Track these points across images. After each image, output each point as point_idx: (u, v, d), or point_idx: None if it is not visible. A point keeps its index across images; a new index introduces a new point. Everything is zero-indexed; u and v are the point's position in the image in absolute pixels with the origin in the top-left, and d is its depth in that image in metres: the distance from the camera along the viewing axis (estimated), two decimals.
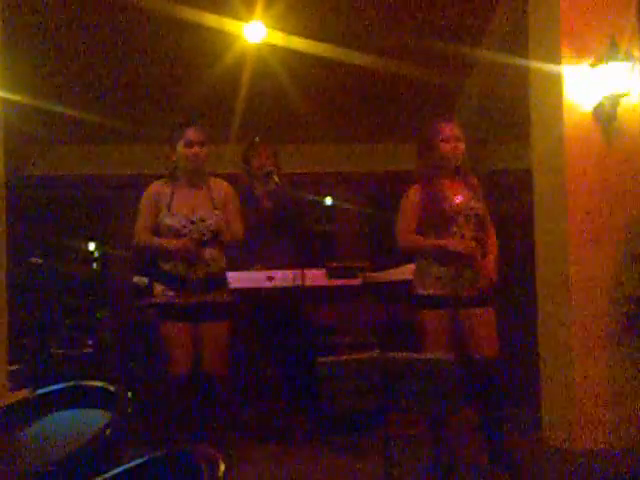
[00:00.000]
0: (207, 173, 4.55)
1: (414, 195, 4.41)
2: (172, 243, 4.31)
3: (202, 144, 4.41)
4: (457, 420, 4.61)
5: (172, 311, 4.36)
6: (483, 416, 4.41)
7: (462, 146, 4.36)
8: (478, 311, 4.28)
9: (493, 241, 4.44)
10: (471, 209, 4.32)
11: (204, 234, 4.33)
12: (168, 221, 4.35)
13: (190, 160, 4.40)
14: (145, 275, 5.23)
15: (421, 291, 4.33)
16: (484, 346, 4.25)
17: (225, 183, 4.61)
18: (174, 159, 4.46)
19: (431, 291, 4.29)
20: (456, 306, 4.27)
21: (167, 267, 4.39)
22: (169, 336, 4.36)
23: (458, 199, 4.33)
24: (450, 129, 4.37)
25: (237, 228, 4.53)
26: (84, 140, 8.43)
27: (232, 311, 4.50)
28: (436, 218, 4.31)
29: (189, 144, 4.39)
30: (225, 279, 4.53)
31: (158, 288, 4.43)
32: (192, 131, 4.41)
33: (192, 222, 4.34)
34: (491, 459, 4.34)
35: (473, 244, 4.25)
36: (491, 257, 4.34)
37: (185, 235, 4.31)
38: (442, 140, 4.34)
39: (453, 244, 4.23)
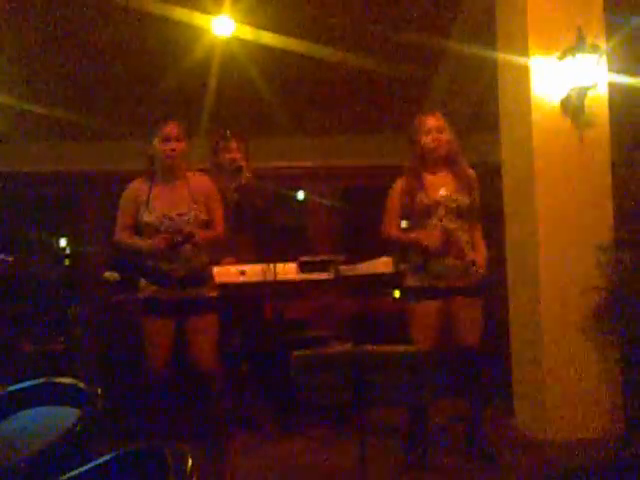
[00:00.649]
0: (185, 168, 4.52)
1: (399, 187, 4.50)
2: (147, 244, 4.30)
3: (179, 139, 4.38)
4: (432, 410, 4.64)
5: (154, 307, 4.35)
6: (467, 406, 4.46)
7: (444, 137, 4.42)
8: (465, 301, 4.35)
9: (479, 235, 4.50)
10: (453, 201, 4.37)
11: (182, 229, 4.30)
12: (146, 218, 4.33)
13: (167, 155, 4.37)
14: (123, 271, 5.20)
15: (411, 283, 4.40)
16: (467, 335, 4.34)
17: (205, 178, 4.58)
18: (151, 155, 4.44)
19: (420, 283, 4.37)
20: (446, 297, 4.33)
21: (149, 263, 4.37)
22: (150, 331, 4.34)
23: (441, 191, 4.38)
24: (431, 121, 4.44)
25: (219, 224, 4.50)
26: (53, 137, 8.37)
27: (218, 305, 4.47)
28: (416, 210, 4.40)
29: (166, 139, 4.36)
30: (210, 273, 4.52)
31: (142, 283, 4.42)
32: (169, 126, 4.38)
33: (170, 218, 4.31)
34: (468, 449, 4.39)
35: (442, 236, 4.29)
36: (479, 253, 4.39)
37: (162, 231, 4.29)
38: (423, 132, 4.42)
39: (424, 238, 4.28)
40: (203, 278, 4.44)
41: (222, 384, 4.49)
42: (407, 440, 4.42)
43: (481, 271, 4.33)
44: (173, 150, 4.36)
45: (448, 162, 4.46)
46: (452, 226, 4.35)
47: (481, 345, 4.37)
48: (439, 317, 4.35)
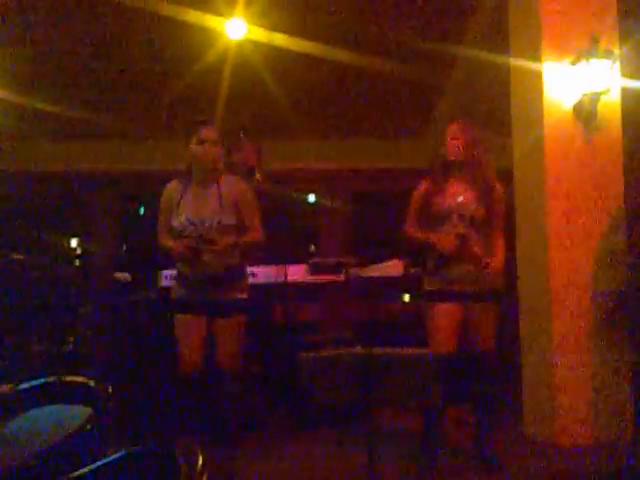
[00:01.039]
0: (221, 171, 4.53)
1: (422, 188, 4.56)
2: (173, 247, 4.32)
3: (214, 143, 4.40)
4: (446, 414, 4.64)
5: (183, 307, 4.39)
6: (476, 410, 4.47)
7: (457, 143, 4.45)
8: (481, 306, 4.37)
9: (499, 244, 4.48)
10: (467, 210, 4.39)
11: (202, 235, 4.31)
12: (174, 222, 4.37)
13: (201, 158, 4.39)
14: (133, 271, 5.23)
15: (428, 287, 4.44)
16: (481, 340, 4.36)
17: (238, 181, 4.56)
18: (188, 157, 4.45)
19: (437, 287, 4.40)
20: (461, 301, 4.34)
21: (178, 265, 4.44)
22: (180, 331, 4.38)
23: (458, 199, 4.41)
24: (450, 129, 4.50)
25: (254, 228, 4.47)
26: (66, 136, 8.40)
27: (246, 307, 4.46)
28: (430, 214, 4.46)
29: (201, 142, 4.38)
30: (239, 276, 4.48)
31: (174, 284, 4.49)
32: (205, 129, 4.40)
33: (192, 223, 4.32)
34: (478, 453, 4.38)
35: (456, 242, 4.32)
36: (495, 258, 4.39)
37: (185, 236, 4.31)
38: (449, 138, 4.49)
39: (439, 242, 4.33)
40: (229, 281, 4.41)
41: (243, 385, 4.50)
42: (419, 443, 4.42)
43: (490, 272, 4.33)
44: (207, 153, 4.38)
45: (470, 171, 4.48)
46: (466, 232, 4.38)
47: (494, 350, 4.38)
48: (456, 320, 4.36)
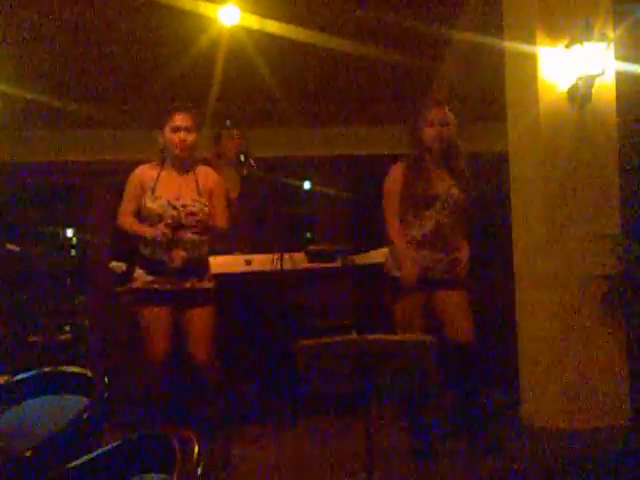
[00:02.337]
0: (195, 160, 4.52)
1: (396, 174, 4.46)
2: (149, 231, 4.28)
3: (189, 130, 4.36)
4: (434, 403, 4.63)
5: (150, 296, 4.32)
6: (460, 398, 4.46)
7: (448, 131, 4.39)
8: (451, 294, 4.34)
9: (464, 231, 4.49)
10: (450, 196, 4.37)
11: (184, 219, 4.29)
12: (150, 205, 4.31)
13: (176, 146, 4.36)
14: (124, 260, 5.19)
15: (395, 273, 4.37)
16: (459, 331, 4.31)
17: (213, 172, 4.56)
18: (162, 143, 4.43)
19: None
20: (429, 289, 4.31)
21: (146, 252, 4.34)
22: (147, 322, 4.31)
23: (439, 186, 4.37)
24: (436, 113, 4.40)
25: (223, 219, 4.48)
26: (60, 126, 8.36)
27: (214, 297, 4.44)
28: (413, 202, 4.38)
29: (175, 129, 4.34)
30: (206, 265, 4.48)
31: (138, 272, 4.39)
32: (179, 116, 4.36)
33: (174, 207, 4.30)
34: (471, 441, 4.38)
35: (416, 277, 4.27)
36: (462, 247, 4.42)
37: (165, 219, 4.27)
38: (427, 124, 4.39)
39: (404, 269, 4.29)
40: (201, 270, 4.40)
41: (219, 376, 4.46)
42: (412, 428, 4.42)
43: (463, 271, 4.35)
44: (182, 141, 4.35)
45: (447, 156, 4.45)
46: (445, 221, 4.36)
47: (474, 337, 4.34)
48: (423, 309, 4.34)
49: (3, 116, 7.41)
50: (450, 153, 4.43)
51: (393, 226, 4.42)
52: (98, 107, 7.59)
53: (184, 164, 4.42)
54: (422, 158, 4.43)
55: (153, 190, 4.34)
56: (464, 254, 4.40)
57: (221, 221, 4.47)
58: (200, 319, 4.34)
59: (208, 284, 4.42)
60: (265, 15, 6.39)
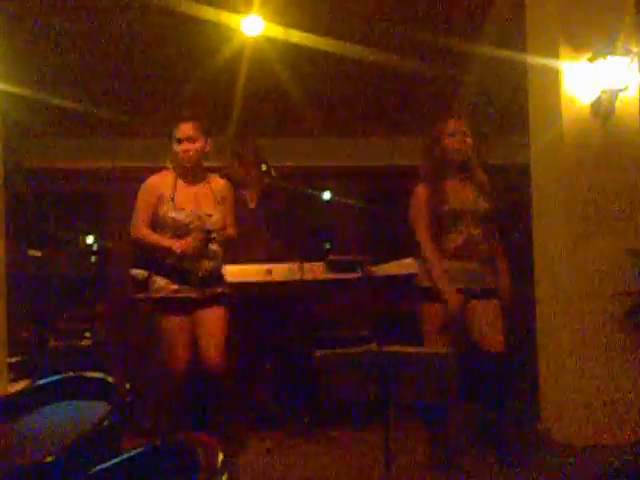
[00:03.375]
0: (205, 169, 4.53)
1: (423, 195, 4.45)
2: (176, 245, 4.27)
3: (193, 140, 4.38)
4: (457, 415, 4.62)
5: (174, 306, 4.34)
6: (488, 410, 4.45)
7: (469, 141, 4.39)
8: (485, 304, 4.33)
9: (501, 249, 4.54)
10: (477, 207, 4.38)
11: (210, 229, 4.31)
12: (174, 215, 4.32)
13: (181, 157, 4.38)
14: (145, 268, 5.20)
15: (426, 284, 4.37)
16: (490, 340, 4.31)
17: (223, 181, 4.60)
18: (172, 154, 4.45)
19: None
20: (466, 298, 4.31)
21: (170, 260, 4.34)
22: (170, 331, 4.32)
23: (465, 198, 4.38)
24: (456, 124, 4.43)
25: (232, 227, 4.55)
26: (82, 133, 8.43)
27: (228, 302, 4.47)
28: (442, 217, 4.38)
29: (179, 141, 4.37)
30: (222, 273, 4.53)
31: (160, 282, 4.39)
32: (182, 127, 4.38)
33: (199, 217, 4.32)
34: (497, 453, 4.36)
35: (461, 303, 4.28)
36: (503, 260, 4.47)
37: (192, 229, 4.29)
38: (448, 135, 4.39)
39: (450, 299, 4.27)
40: (218, 277, 4.47)
41: (230, 383, 4.48)
42: (432, 440, 4.41)
43: (506, 299, 4.36)
44: (185, 151, 4.36)
45: (466, 167, 4.45)
46: (475, 232, 4.37)
47: (505, 348, 4.34)
48: (452, 319, 4.33)
49: (27, 123, 7.46)
50: (469, 164, 4.43)
51: (424, 241, 4.42)
52: (122, 116, 7.63)
53: (195, 173, 4.44)
54: (441, 173, 4.43)
55: (172, 199, 4.35)
56: (502, 266, 4.43)
57: (232, 229, 4.53)
58: (212, 321, 4.36)
59: (224, 289, 4.46)
60: (288, 25, 6.41)
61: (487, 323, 4.33)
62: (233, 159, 5.65)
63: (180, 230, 4.30)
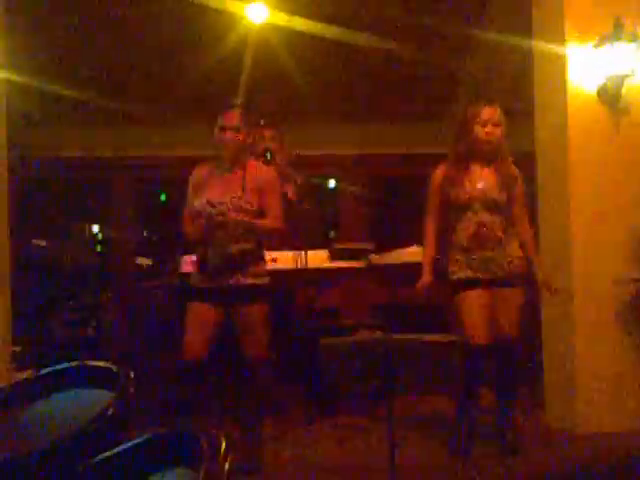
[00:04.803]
0: (248, 157, 4.50)
1: (439, 175, 4.46)
2: (189, 231, 4.32)
3: (237, 129, 4.32)
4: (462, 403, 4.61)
5: (196, 294, 4.33)
6: (499, 396, 4.45)
7: (499, 131, 4.36)
8: (507, 291, 4.35)
9: (524, 228, 4.49)
10: (489, 196, 4.35)
11: (219, 216, 4.24)
12: (195, 204, 4.32)
13: (223, 145, 4.34)
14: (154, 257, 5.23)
15: (454, 277, 4.39)
16: (506, 325, 4.34)
17: (265, 168, 4.55)
18: (214, 142, 4.39)
19: (463, 274, 4.36)
20: (489, 287, 4.32)
21: (197, 251, 4.37)
22: (188, 318, 4.30)
23: (479, 185, 4.36)
24: (489, 113, 4.36)
25: (274, 215, 4.37)
26: (88, 122, 8.41)
27: (265, 293, 4.37)
28: (453, 202, 4.39)
29: (222, 129, 4.32)
30: (254, 261, 4.36)
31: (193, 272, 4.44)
32: (226, 115, 4.34)
33: (212, 205, 4.27)
34: (499, 439, 4.36)
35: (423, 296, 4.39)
36: (527, 244, 4.45)
37: (205, 217, 4.26)
38: (478, 123, 4.35)
39: (418, 284, 4.43)
40: (245, 266, 4.31)
41: (271, 373, 4.46)
42: (457, 428, 4.40)
43: (517, 269, 4.37)
44: (229, 139, 4.31)
45: (494, 157, 4.42)
46: (488, 220, 4.35)
47: (519, 337, 4.36)
48: (486, 306, 4.33)
49: (32, 113, 7.46)
50: (498, 154, 4.40)
51: (426, 229, 4.47)
52: (126, 104, 7.61)
53: (235, 162, 4.40)
54: (467, 157, 4.41)
55: (203, 189, 4.35)
56: (516, 252, 4.40)
57: (271, 217, 4.36)
58: (249, 317, 4.30)
59: (258, 281, 4.34)
60: (292, 12, 6.39)
61: (506, 310, 4.35)
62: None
63: (196, 218, 4.29)
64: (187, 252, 5.11)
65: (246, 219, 4.26)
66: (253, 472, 4.15)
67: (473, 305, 4.31)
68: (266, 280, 4.38)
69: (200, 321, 4.27)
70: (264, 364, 4.35)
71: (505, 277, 4.34)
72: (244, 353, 4.32)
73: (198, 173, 4.44)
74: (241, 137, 4.35)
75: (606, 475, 4.13)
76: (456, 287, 4.38)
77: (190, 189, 4.43)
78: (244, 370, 4.37)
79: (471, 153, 4.40)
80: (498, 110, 4.39)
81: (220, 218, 4.20)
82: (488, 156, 4.40)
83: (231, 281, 4.27)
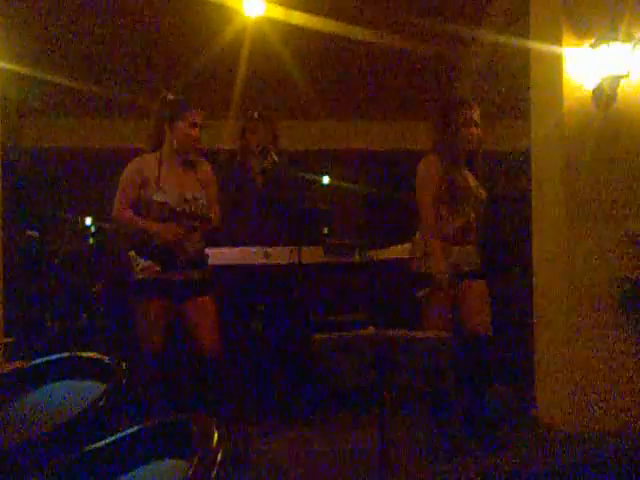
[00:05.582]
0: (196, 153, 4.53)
1: (432, 165, 4.44)
2: (159, 228, 4.27)
3: (201, 127, 4.39)
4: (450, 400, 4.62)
5: (156, 287, 4.30)
6: (469, 392, 4.45)
7: (478, 132, 4.40)
8: (475, 284, 4.39)
9: None
10: (480, 194, 4.47)
11: (197, 213, 4.29)
12: (159, 198, 4.28)
13: (191, 141, 4.36)
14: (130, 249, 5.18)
15: (423, 269, 4.37)
16: (477, 322, 4.35)
17: (208, 165, 4.58)
18: (168, 135, 4.39)
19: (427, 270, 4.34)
20: (457, 281, 4.33)
21: (156, 243, 4.32)
22: (149, 315, 4.27)
23: (471, 182, 4.43)
24: (470, 113, 4.41)
25: (217, 212, 4.50)
26: (82, 112, 8.40)
27: (212, 287, 4.46)
28: (451, 195, 4.40)
29: (193, 125, 4.34)
30: (205, 257, 4.49)
31: (144, 263, 4.35)
32: (198, 113, 4.37)
33: (186, 200, 4.30)
34: (475, 435, 4.37)
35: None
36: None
37: (178, 212, 4.27)
38: (462, 123, 4.38)
39: (441, 260, 4.31)
40: (201, 261, 4.43)
41: (222, 368, 4.46)
42: (438, 427, 4.40)
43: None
44: (197, 138, 4.37)
45: (472, 156, 4.46)
46: (474, 216, 4.45)
47: (491, 331, 4.37)
48: (452, 302, 4.34)
49: (25, 103, 7.43)
50: (476, 153, 4.44)
51: (428, 219, 4.39)
52: (121, 96, 7.60)
53: (188, 158, 4.42)
54: (454, 155, 4.44)
55: (157, 182, 4.32)
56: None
57: (217, 214, 4.49)
58: (203, 308, 4.35)
59: (207, 275, 4.45)
60: (289, 6, 6.38)
61: (475, 303, 4.37)
62: (240, 142, 5.57)
63: (165, 214, 4.28)
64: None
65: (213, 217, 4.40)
66: (241, 462, 4.18)
67: (438, 300, 4.31)
68: (211, 274, 4.49)
69: (161, 317, 4.28)
70: (220, 353, 4.37)
71: (470, 270, 4.38)
72: (202, 345, 4.34)
73: (145, 165, 4.40)
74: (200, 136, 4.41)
75: (597, 473, 4.13)
76: (422, 280, 4.38)
77: (129, 179, 4.38)
78: (202, 362, 4.38)
79: (453, 152, 4.42)
80: (477, 111, 4.45)
81: (200, 212, 4.26)
82: (466, 155, 4.47)
83: (197, 275, 4.36)
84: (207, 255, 4.53)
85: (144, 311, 4.30)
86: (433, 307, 4.34)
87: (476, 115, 4.42)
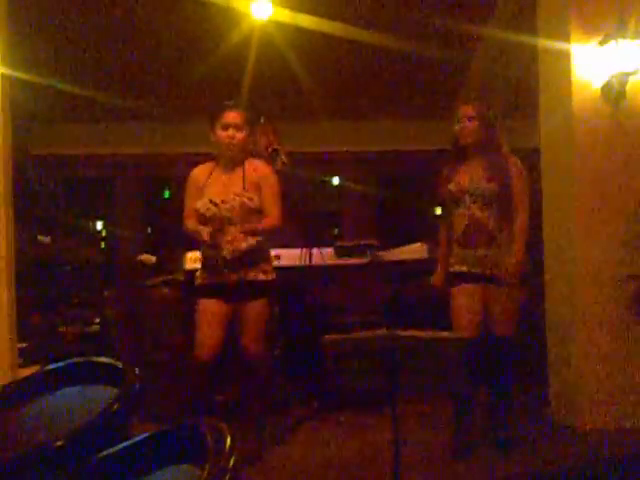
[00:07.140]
0: (247, 155, 4.51)
1: (439, 176, 4.59)
2: (202, 231, 4.26)
3: (239, 128, 4.37)
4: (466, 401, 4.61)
5: (206, 291, 4.35)
6: (493, 394, 4.45)
7: (471, 125, 4.40)
8: (500, 290, 4.33)
9: (521, 226, 4.37)
10: (477, 189, 4.35)
11: (219, 215, 4.27)
12: (197, 205, 4.34)
13: (226, 143, 4.37)
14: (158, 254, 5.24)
15: (451, 269, 4.43)
16: (500, 324, 4.35)
17: (262, 165, 4.54)
18: (214, 142, 4.42)
19: (457, 268, 4.38)
20: (482, 283, 4.34)
21: (202, 249, 4.41)
22: (200, 316, 4.32)
23: (467, 177, 4.40)
24: (463, 110, 4.47)
25: (273, 212, 4.40)
26: (93, 119, 8.42)
27: (270, 289, 4.41)
28: (446, 198, 4.49)
29: (225, 127, 4.35)
30: (261, 257, 4.38)
31: (200, 270, 4.45)
32: (229, 113, 4.37)
33: (215, 204, 4.30)
34: (496, 438, 4.37)
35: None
36: (514, 249, 4.33)
37: (208, 217, 4.28)
38: (455, 120, 4.47)
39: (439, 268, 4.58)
40: (252, 262, 4.32)
41: (269, 370, 4.48)
42: (457, 428, 4.39)
43: (512, 279, 4.30)
44: (231, 138, 4.35)
45: (480, 150, 4.45)
46: (479, 214, 4.35)
47: (512, 335, 4.36)
48: (477, 300, 4.33)
49: (35, 110, 7.46)
50: (482, 146, 4.43)
51: (440, 225, 4.61)
52: (131, 101, 7.63)
53: (235, 160, 4.42)
54: (457, 154, 4.51)
55: (203, 189, 4.36)
56: (514, 257, 4.31)
57: (270, 214, 4.40)
58: (251, 311, 4.33)
59: (264, 276, 4.37)
60: (297, 9, 6.39)
61: (500, 310, 4.34)
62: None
63: (200, 219, 4.31)
64: (190, 248, 5.12)
65: (247, 225, 4.31)
66: (253, 460, 4.19)
67: (463, 299, 4.34)
68: (271, 276, 4.41)
69: (212, 318, 4.30)
70: (261, 360, 4.38)
71: (500, 275, 4.32)
72: (244, 349, 4.35)
73: (198, 174, 4.48)
74: (243, 136, 4.38)
75: (610, 471, 4.12)
76: (452, 280, 4.43)
77: (191, 190, 4.45)
78: (244, 364, 4.39)
79: (460, 149, 4.49)
80: (473, 105, 4.47)
81: (231, 216, 4.24)
82: (473, 150, 4.45)
83: (235, 277, 4.30)
84: (269, 256, 4.48)
85: (197, 313, 4.36)
86: (459, 304, 4.35)
87: (468, 110, 4.43)
